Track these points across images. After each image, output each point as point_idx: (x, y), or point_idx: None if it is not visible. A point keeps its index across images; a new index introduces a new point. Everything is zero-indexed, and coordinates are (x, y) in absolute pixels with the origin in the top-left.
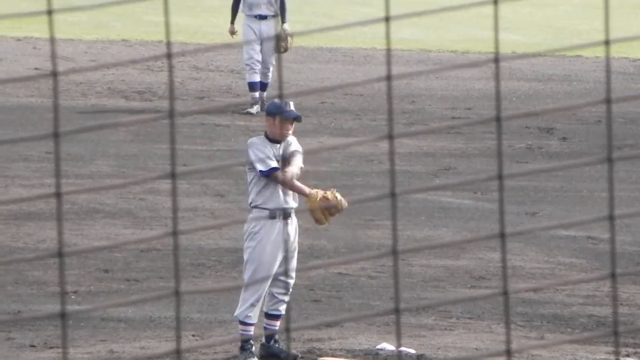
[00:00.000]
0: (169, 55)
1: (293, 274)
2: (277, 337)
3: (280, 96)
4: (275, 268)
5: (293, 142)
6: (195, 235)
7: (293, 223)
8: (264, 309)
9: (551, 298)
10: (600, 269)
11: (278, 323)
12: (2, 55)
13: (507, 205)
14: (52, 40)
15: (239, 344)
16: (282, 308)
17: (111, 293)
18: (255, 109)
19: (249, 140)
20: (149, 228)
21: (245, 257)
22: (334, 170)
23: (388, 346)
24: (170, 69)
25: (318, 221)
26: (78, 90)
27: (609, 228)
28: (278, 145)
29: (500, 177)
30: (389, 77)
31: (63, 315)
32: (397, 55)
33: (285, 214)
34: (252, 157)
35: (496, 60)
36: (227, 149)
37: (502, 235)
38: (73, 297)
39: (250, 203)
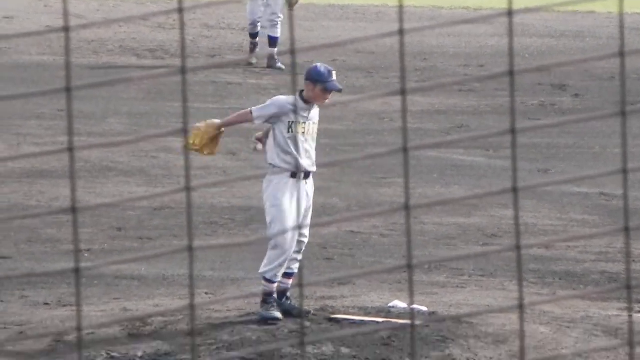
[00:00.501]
0: (180, 10)
1: (307, 233)
2: (289, 294)
3: (293, 52)
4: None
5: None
6: (207, 193)
7: (310, 183)
8: None
9: (563, 255)
10: (613, 226)
11: (291, 281)
12: (14, 14)
13: (520, 162)
14: None
15: (261, 297)
16: (295, 267)
17: (124, 251)
18: (254, 56)
19: (276, 97)
20: (161, 186)
21: (269, 217)
22: (346, 129)
23: (400, 304)
24: (182, 25)
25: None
26: (90, 48)
27: (622, 183)
28: (309, 105)
29: (513, 131)
30: (401, 32)
31: (77, 271)
32: (410, 12)
33: (306, 174)
34: (267, 103)
35: (509, 13)
36: (239, 107)
37: (515, 190)
38: (86, 255)
39: (270, 162)
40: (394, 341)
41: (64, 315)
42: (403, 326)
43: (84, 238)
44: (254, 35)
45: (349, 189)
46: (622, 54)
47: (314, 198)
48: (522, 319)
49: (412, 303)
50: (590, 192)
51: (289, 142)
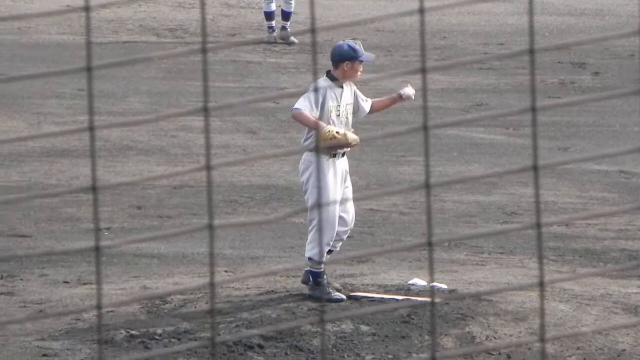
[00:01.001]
0: None
1: (351, 209)
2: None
3: (313, 31)
4: (338, 204)
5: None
6: (227, 172)
7: (345, 159)
8: None
9: (583, 232)
10: (633, 203)
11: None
12: None
13: (540, 140)
14: None
15: (310, 281)
16: (339, 245)
17: (144, 229)
18: (273, 36)
19: (315, 82)
20: (181, 165)
21: (312, 199)
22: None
23: (419, 281)
24: (202, 3)
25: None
26: (109, 27)
27: None
28: (341, 89)
29: (533, 109)
30: (421, 11)
31: (97, 249)
32: None
33: (343, 153)
34: (306, 95)
35: None
36: (258, 86)
37: (535, 168)
38: (106, 233)
39: (308, 142)
40: (413, 319)
41: (84, 294)
42: (422, 304)
43: (104, 217)
44: (269, 16)
45: (369, 167)
46: None
47: None
48: (542, 297)
49: (431, 281)
50: (609, 170)
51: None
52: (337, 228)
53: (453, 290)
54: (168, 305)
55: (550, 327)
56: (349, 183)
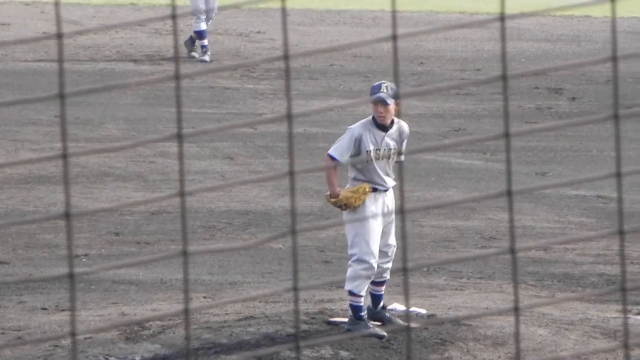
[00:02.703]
0: (173, 17)
1: (393, 242)
2: (383, 302)
3: (287, 57)
4: (379, 238)
5: (404, 129)
6: (205, 197)
7: (390, 195)
8: None
9: (561, 257)
10: (610, 228)
11: (383, 288)
12: (11, 20)
13: (517, 165)
14: (58, 3)
15: (349, 315)
16: (387, 274)
17: (122, 256)
18: (208, 55)
19: (353, 125)
20: (159, 191)
21: (353, 232)
22: (343, 132)
23: (399, 306)
24: (176, 30)
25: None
26: (86, 54)
27: (617, 186)
28: (383, 132)
29: (507, 135)
30: (394, 37)
31: (71, 276)
32: (406, 17)
33: (386, 188)
34: (341, 138)
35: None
36: (236, 112)
37: (509, 193)
38: (84, 260)
39: (353, 177)
40: (392, 344)
41: (62, 320)
42: (401, 329)
43: (82, 243)
44: (201, 35)
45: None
46: (614, 58)
47: (311, 202)
48: (517, 321)
49: (409, 306)
50: (587, 195)
51: (365, 166)
52: (376, 261)
53: (432, 315)
54: (146, 332)
55: (530, 351)
56: (392, 218)
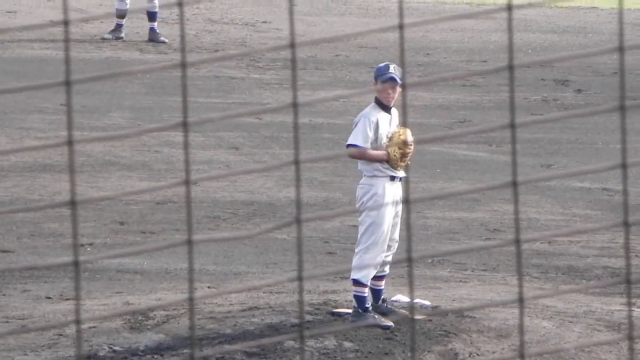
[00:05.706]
0: (180, 4)
1: (397, 236)
2: (384, 296)
3: (293, 46)
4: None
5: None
6: (210, 187)
7: (400, 186)
8: None
9: (566, 250)
10: (615, 221)
11: (384, 282)
12: (17, 8)
13: (523, 157)
14: None
15: (353, 306)
16: (387, 268)
17: (127, 245)
18: (114, 35)
19: (362, 112)
20: (164, 180)
21: (368, 220)
22: (348, 123)
23: (403, 298)
24: (182, 19)
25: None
26: (93, 42)
27: (622, 177)
28: (390, 115)
29: (512, 126)
30: (400, 27)
31: (76, 264)
32: (412, 8)
33: (399, 177)
34: (357, 126)
35: (509, 8)
36: (241, 102)
37: (515, 184)
38: (89, 249)
39: (371, 168)
40: (396, 335)
41: (66, 309)
42: (404, 318)
43: (87, 232)
44: (121, 14)
45: (352, 183)
46: (621, 49)
47: (316, 192)
48: (521, 313)
49: (413, 297)
50: (592, 187)
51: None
52: (384, 251)
53: (436, 307)
54: (151, 321)
55: (533, 343)
56: (399, 209)
